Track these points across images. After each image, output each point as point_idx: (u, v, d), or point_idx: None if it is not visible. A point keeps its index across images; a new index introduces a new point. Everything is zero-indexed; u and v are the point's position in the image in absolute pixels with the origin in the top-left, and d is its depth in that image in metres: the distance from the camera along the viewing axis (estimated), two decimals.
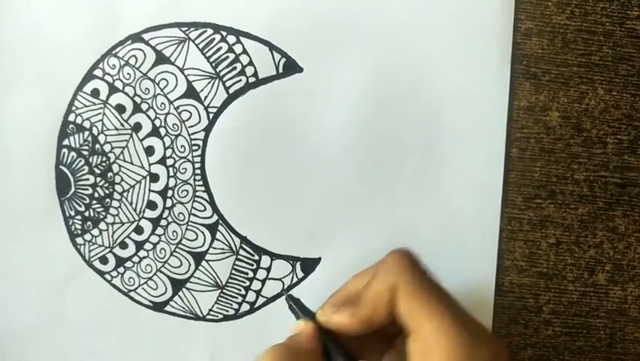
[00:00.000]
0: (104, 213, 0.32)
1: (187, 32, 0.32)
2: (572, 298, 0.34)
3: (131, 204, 0.32)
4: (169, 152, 0.32)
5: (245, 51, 0.32)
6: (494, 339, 0.23)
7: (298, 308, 0.27)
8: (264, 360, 0.24)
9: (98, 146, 0.32)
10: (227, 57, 0.32)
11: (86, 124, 0.32)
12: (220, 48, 0.32)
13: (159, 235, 0.33)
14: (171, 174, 0.32)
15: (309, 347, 0.25)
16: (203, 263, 0.33)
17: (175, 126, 0.32)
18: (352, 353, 0.25)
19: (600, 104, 0.33)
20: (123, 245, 0.33)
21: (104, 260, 0.33)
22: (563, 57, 0.33)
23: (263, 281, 0.33)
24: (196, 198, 0.32)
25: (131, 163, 0.32)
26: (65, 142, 0.32)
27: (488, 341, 0.23)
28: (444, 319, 0.22)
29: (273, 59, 0.32)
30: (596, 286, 0.34)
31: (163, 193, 0.32)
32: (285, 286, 0.33)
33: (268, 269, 0.33)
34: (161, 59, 0.32)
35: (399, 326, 0.24)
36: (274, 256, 0.33)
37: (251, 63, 0.32)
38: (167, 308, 0.33)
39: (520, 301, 0.34)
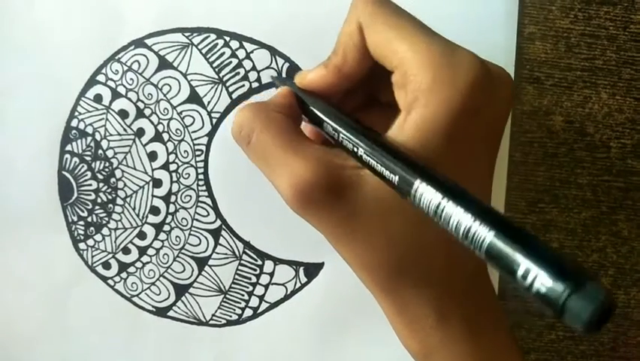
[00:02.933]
0: (106, 219, 0.32)
1: (190, 38, 0.31)
2: None
3: (134, 209, 0.32)
4: (172, 157, 0.32)
5: (248, 56, 0.32)
6: (467, 50, 0.23)
7: (279, 80, 0.28)
8: (239, 114, 0.24)
9: (100, 151, 0.32)
10: (231, 62, 0.32)
11: (89, 129, 0.32)
12: (223, 53, 0.32)
13: (162, 241, 0.33)
14: (174, 179, 0.32)
15: (279, 101, 0.25)
16: (207, 268, 0.33)
17: (178, 131, 0.32)
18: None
19: (604, 109, 0.33)
20: (126, 250, 0.33)
21: (106, 265, 0.33)
22: (567, 61, 0.33)
23: (266, 286, 0.33)
24: (199, 204, 0.32)
25: (134, 168, 0.32)
26: (68, 147, 0.32)
27: (462, 48, 0.22)
28: (415, 34, 0.22)
29: (276, 64, 0.32)
30: None
31: (166, 198, 0.32)
32: (289, 292, 0.33)
33: (271, 274, 0.33)
34: (164, 64, 0.32)
35: (380, 83, 0.25)
36: (277, 261, 0.33)
37: (254, 68, 0.32)
38: (170, 313, 0.33)
39: (524, 305, 0.34)
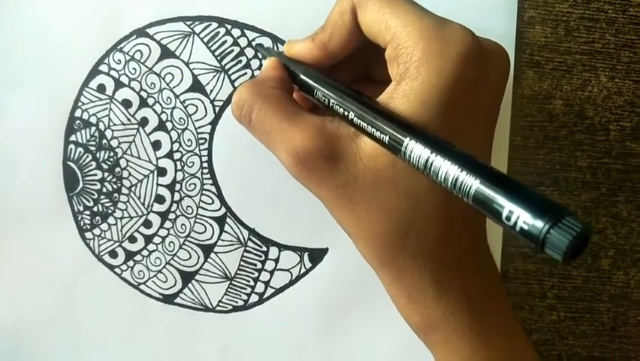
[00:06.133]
0: (112, 208, 0.33)
1: (192, 26, 0.32)
2: (576, 284, 0.34)
3: (139, 198, 0.33)
4: (176, 146, 0.32)
5: (250, 44, 0.32)
6: (459, 24, 0.23)
7: (266, 51, 0.29)
8: (236, 94, 0.25)
9: (105, 141, 0.32)
10: (232, 50, 0.32)
11: (93, 119, 0.32)
12: (225, 41, 0.32)
13: (168, 229, 0.33)
14: (179, 167, 0.32)
15: (272, 75, 0.26)
16: (212, 255, 0.33)
17: (181, 120, 0.32)
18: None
19: (603, 92, 0.33)
20: (132, 239, 0.33)
21: (113, 254, 0.33)
22: (566, 45, 0.33)
23: (271, 272, 0.33)
24: (204, 192, 0.33)
25: (139, 158, 0.32)
26: (72, 138, 0.32)
27: (454, 22, 0.23)
28: (408, 10, 0.23)
29: (278, 52, 0.32)
30: (600, 271, 0.34)
31: (171, 187, 0.33)
32: (294, 277, 0.33)
33: (276, 260, 0.33)
34: (166, 53, 0.32)
35: (372, 60, 0.25)
36: (282, 247, 0.33)
37: (256, 56, 0.32)
38: (177, 300, 0.33)
39: (525, 286, 0.34)
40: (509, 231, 0.17)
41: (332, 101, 0.24)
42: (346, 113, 0.23)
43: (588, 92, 0.33)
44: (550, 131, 0.33)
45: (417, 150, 0.20)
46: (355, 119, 0.22)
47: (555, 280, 0.34)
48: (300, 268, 0.33)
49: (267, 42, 0.32)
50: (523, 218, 0.17)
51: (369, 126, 0.22)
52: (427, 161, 0.20)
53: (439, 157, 0.19)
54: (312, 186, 0.23)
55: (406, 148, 0.20)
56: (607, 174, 0.34)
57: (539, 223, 0.16)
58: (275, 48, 0.32)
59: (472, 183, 0.18)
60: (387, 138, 0.21)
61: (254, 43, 0.32)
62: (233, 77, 0.32)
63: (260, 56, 0.32)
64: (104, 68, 0.32)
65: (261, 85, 0.25)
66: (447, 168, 0.19)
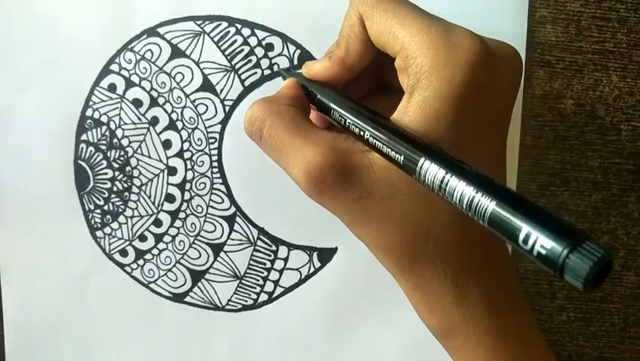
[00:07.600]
0: (123, 207, 0.33)
1: (202, 26, 0.32)
2: None
3: (149, 197, 0.33)
4: (186, 145, 0.32)
5: (260, 43, 0.32)
6: (466, 29, 0.23)
7: (285, 72, 0.29)
8: (249, 111, 0.25)
9: (115, 140, 0.32)
10: (243, 50, 0.32)
11: (104, 119, 0.32)
12: (235, 41, 0.32)
13: (178, 228, 0.33)
14: (189, 167, 0.33)
15: (287, 93, 0.26)
16: (222, 254, 0.33)
17: (192, 120, 0.32)
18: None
19: (614, 91, 0.33)
20: (142, 238, 0.33)
21: (123, 253, 0.33)
22: (577, 44, 0.33)
23: (280, 271, 0.33)
24: (214, 191, 0.33)
25: (149, 157, 0.33)
26: (83, 137, 0.32)
27: (462, 28, 0.23)
28: (415, 19, 0.22)
29: (288, 51, 0.32)
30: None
31: (181, 186, 0.33)
32: (303, 276, 0.33)
33: (285, 259, 0.33)
34: (176, 52, 0.32)
35: (383, 71, 0.26)
36: (291, 247, 0.33)
37: (266, 55, 0.32)
38: (187, 299, 0.34)
39: (535, 287, 0.34)
40: (527, 256, 0.16)
41: (348, 121, 0.23)
42: (362, 132, 0.23)
43: (599, 91, 0.33)
44: (561, 131, 0.33)
45: (432, 170, 0.19)
46: (371, 139, 0.22)
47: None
48: (310, 267, 0.33)
49: (277, 43, 0.32)
50: (540, 242, 0.16)
51: (384, 146, 0.21)
52: (441, 181, 0.19)
53: (454, 178, 0.19)
54: (327, 202, 0.23)
55: (420, 168, 0.20)
56: (618, 175, 0.34)
57: (558, 247, 0.15)
58: (285, 49, 0.32)
59: (488, 205, 0.17)
60: (402, 157, 0.21)
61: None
62: (243, 76, 0.32)
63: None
64: (114, 67, 0.32)
65: (274, 102, 0.25)
66: (462, 189, 0.18)
